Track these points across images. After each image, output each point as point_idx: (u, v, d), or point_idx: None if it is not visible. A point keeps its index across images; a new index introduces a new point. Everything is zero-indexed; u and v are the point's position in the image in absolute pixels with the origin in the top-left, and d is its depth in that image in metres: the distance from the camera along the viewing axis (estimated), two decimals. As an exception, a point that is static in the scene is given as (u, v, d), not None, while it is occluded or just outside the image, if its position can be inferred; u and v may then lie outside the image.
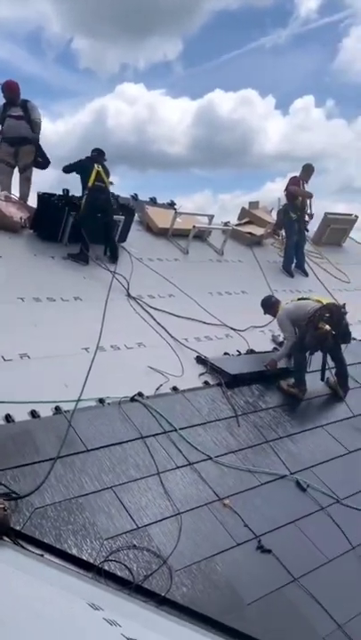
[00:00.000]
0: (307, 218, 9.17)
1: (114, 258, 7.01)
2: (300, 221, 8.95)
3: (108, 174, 7.06)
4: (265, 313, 6.17)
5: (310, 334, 5.40)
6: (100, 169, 6.88)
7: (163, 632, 2.78)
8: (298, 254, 8.96)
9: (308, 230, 9.44)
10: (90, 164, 6.88)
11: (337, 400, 5.69)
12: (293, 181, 8.92)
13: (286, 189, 8.96)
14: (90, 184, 6.76)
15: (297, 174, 9.00)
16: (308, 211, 9.13)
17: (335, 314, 5.46)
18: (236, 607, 3.20)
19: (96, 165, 6.87)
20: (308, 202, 9.04)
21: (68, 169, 7.00)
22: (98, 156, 7.04)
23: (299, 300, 5.97)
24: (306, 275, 8.91)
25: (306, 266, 9.08)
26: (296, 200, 8.87)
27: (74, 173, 7.00)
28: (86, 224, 6.76)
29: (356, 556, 3.88)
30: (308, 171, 9.00)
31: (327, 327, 5.32)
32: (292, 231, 8.90)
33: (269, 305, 6.08)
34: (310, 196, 8.96)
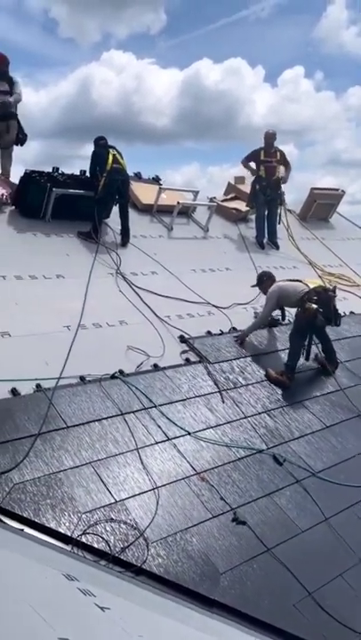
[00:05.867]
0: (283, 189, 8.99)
1: (125, 239, 7.22)
2: (268, 193, 8.80)
3: (122, 157, 7.26)
4: (256, 286, 6.23)
5: (299, 315, 5.60)
6: (115, 152, 7.17)
7: (137, 601, 2.89)
8: (269, 226, 8.91)
9: (281, 202, 9.08)
10: (104, 152, 7.13)
11: (323, 375, 5.81)
12: (253, 153, 8.84)
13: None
14: (108, 167, 7.00)
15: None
16: (281, 181, 8.91)
17: (322, 296, 5.62)
18: (209, 576, 3.33)
19: (110, 150, 7.15)
20: (277, 171, 8.86)
21: (93, 169, 7.12)
22: (107, 142, 7.28)
23: (291, 280, 6.04)
24: (277, 247, 8.83)
25: (291, 241, 9.04)
26: (260, 172, 8.79)
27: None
28: (101, 204, 7.01)
29: (329, 527, 4.03)
30: (266, 138, 8.89)
31: (314, 306, 5.48)
32: (257, 203, 8.86)
33: (262, 280, 6.17)
34: (253, 172, 8.85)
